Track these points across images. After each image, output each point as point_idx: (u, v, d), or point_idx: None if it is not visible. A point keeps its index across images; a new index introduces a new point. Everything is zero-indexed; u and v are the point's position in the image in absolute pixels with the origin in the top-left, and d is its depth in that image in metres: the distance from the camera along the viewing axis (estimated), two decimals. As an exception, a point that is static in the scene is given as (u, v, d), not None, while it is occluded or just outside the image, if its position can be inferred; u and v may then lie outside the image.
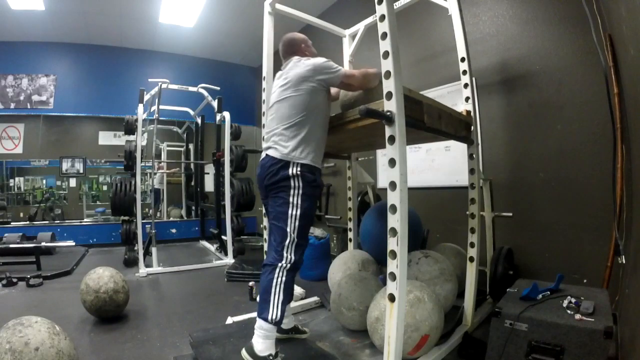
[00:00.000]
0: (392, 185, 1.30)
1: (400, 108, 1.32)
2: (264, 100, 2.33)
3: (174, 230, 6.19)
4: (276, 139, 1.66)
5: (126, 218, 4.30)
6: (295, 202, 1.59)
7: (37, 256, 3.82)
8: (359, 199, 3.19)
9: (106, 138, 6.63)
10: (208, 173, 6.13)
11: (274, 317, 1.53)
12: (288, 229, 1.58)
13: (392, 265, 1.30)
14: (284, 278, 1.57)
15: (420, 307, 1.64)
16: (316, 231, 3.87)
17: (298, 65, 1.70)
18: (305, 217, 1.62)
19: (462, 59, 2.23)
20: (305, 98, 1.64)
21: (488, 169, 2.74)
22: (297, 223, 1.59)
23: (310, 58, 1.76)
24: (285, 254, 1.59)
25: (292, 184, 1.59)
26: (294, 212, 1.59)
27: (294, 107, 1.64)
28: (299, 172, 1.59)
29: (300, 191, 1.59)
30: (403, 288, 1.30)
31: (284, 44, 1.90)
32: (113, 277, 2.47)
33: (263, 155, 1.72)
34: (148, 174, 5.24)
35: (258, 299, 1.62)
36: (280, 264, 1.57)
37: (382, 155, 3.76)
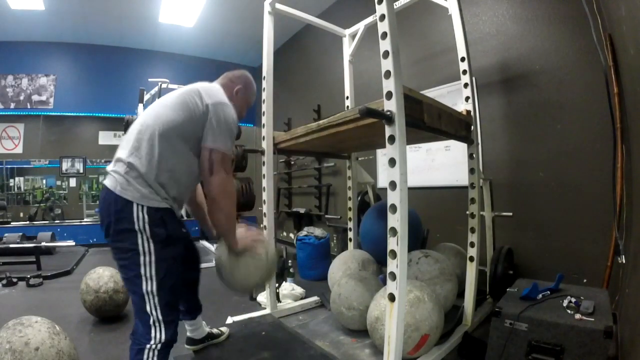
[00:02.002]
0: (392, 185, 1.30)
1: (400, 108, 1.32)
2: (264, 100, 2.33)
3: (174, 230, 6.18)
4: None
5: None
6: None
7: (37, 256, 3.82)
8: (359, 198, 3.19)
9: (106, 138, 6.63)
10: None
11: None
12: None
13: (392, 265, 1.30)
14: None
15: (420, 307, 1.64)
16: (316, 231, 3.87)
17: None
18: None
19: (462, 59, 2.23)
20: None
21: (488, 169, 2.74)
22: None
23: (225, 106, 1.35)
24: (153, 333, 1.23)
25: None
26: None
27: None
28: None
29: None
30: (403, 288, 1.30)
31: (230, 74, 1.60)
32: (113, 277, 2.47)
33: None
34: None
35: None
36: (148, 345, 1.22)
37: (382, 155, 3.76)
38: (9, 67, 5.67)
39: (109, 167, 1.28)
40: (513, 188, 2.66)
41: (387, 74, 1.32)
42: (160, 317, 1.24)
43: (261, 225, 2.30)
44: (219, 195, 1.30)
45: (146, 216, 1.20)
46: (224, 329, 1.94)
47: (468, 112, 2.16)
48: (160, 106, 1.34)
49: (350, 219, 2.99)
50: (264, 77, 2.33)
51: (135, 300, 1.25)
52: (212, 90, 1.38)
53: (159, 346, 1.24)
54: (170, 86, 4.46)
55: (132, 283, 1.23)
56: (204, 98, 1.32)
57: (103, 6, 4.84)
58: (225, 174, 1.30)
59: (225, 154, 1.31)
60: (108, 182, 1.25)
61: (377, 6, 1.36)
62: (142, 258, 1.21)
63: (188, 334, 1.74)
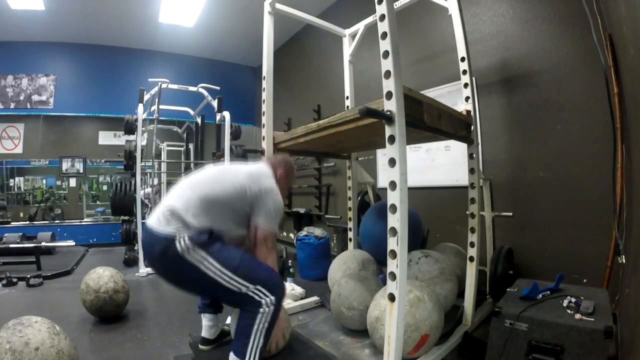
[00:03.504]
0: (392, 185, 1.30)
1: (400, 108, 1.32)
2: (264, 100, 2.33)
3: (174, 230, 6.18)
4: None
5: (126, 218, 4.31)
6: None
7: (37, 256, 3.83)
8: (359, 198, 3.19)
9: (106, 138, 6.64)
10: (208, 173, 6.12)
11: None
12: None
13: (392, 265, 1.30)
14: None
15: (420, 307, 1.64)
16: (316, 231, 3.88)
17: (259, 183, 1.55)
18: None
19: (462, 59, 2.22)
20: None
21: (488, 169, 2.74)
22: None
23: (272, 191, 1.56)
24: (260, 300, 1.41)
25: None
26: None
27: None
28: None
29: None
30: (403, 288, 1.30)
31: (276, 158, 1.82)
32: (113, 277, 2.47)
33: None
34: (148, 174, 5.24)
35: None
36: (261, 310, 1.40)
37: (382, 155, 3.76)
38: (9, 67, 5.67)
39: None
40: (513, 188, 2.66)
41: (387, 74, 1.32)
42: (252, 285, 1.39)
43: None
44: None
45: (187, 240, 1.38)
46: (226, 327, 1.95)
47: (468, 112, 2.16)
48: (215, 182, 1.53)
49: (350, 219, 2.99)
50: (264, 77, 2.33)
51: (235, 299, 1.43)
52: (264, 177, 1.60)
53: (272, 308, 1.40)
54: (170, 86, 4.47)
55: (217, 289, 1.41)
56: (257, 183, 1.54)
57: (103, 6, 4.84)
58: (266, 248, 1.53)
59: (272, 232, 1.55)
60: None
61: (377, 6, 1.36)
62: (202, 267, 1.37)
63: (203, 333, 1.77)
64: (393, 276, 1.29)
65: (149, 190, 5.12)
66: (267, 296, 1.41)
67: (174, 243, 1.36)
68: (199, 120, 5.81)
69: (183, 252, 1.35)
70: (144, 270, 3.85)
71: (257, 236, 1.51)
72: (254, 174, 1.58)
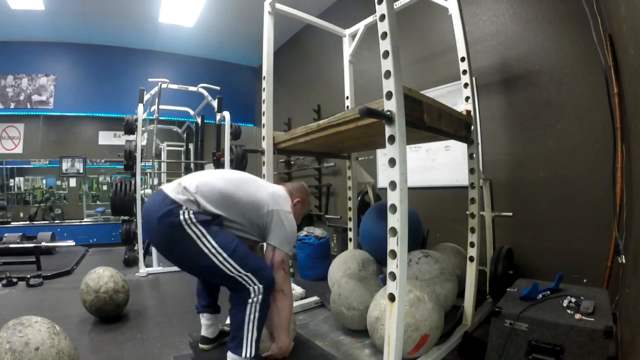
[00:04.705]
0: (392, 185, 1.30)
1: (400, 108, 1.32)
2: (264, 100, 2.33)
3: (174, 230, 6.18)
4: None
5: (126, 218, 4.31)
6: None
7: (37, 256, 3.83)
8: (359, 198, 3.19)
9: (106, 138, 6.64)
10: (208, 173, 6.12)
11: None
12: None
13: (392, 265, 1.30)
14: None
15: (420, 307, 1.64)
16: (316, 231, 3.88)
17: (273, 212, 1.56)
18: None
19: (462, 59, 2.22)
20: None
21: (488, 169, 2.74)
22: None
23: (289, 215, 1.60)
24: (249, 287, 1.44)
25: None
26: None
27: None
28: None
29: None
30: (403, 288, 1.30)
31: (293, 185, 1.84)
32: (113, 277, 2.47)
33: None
34: (148, 174, 5.24)
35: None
36: (250, 300, 1.44)
37: (382, 155, 3.76)
38: (9, 67, 5.67)
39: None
40: (513, 188, 2.66)
41: (387, 74, 1.32)
42: (243, 271, 1.42)
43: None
44: (278, 293, 1.55)
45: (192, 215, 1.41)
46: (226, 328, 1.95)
47: (468, 112, 2.16)
48: (240, 190, 1.54)
49: (350, 219, 2.99)
50: (264, 77, 2.33)
51: (221, 281, 1.47)
52: (284, 200, 1.64)
53: (260, 297, 1.44)
54: (170, 86, 4.46)
55: (207, 267, 1.42)
56: (276, 204, 1.57)
57: (103, 6, 4.84)
58: (284, 273, 1.57)
59: (288, 256, 1.59)
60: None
61: (377, 6, 1.36)
62: (199, 242, 1.39)
63: (202, 332, 1.78)
64: (393, 276, 1.29)
65: (149, 191, 5.12)
66: (255, 284, 1.44)
67: (178, 211, 1.38)
68: (199, 120, 5.81)
69: (184, 222, 1.37)
70: (144, 270, 3.85)
71: (275, 259, 1.55)
72: (276, 195, 1.62)
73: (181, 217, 1.37)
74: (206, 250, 1.39)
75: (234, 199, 1.50)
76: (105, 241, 5.82)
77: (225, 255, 1.40)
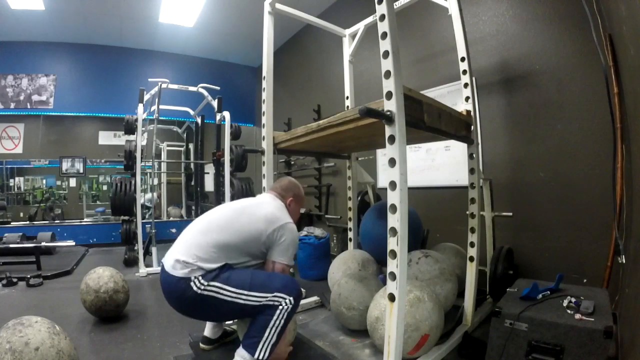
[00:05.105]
0: (392, 185, 1.30)
1: (400, 107, 1.32)
2: (264, 100, 2.33)
3: (174, 230, 6.17)
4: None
5: (126, 218, 4.30)
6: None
7: (37, 256, 3.82)
8: (359, 198, 3.19)
9: (106, 138, 6.63)
10: (208, 173, 6.13)
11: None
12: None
13: (392, 265, 1.30)
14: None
15: (420, 307, 1.64)
16: (316, 231, 3.88)
17: (267, 220, 1.59)
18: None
19: (462, 59, 2.22)
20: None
21: (488, 169, 2.74)
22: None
23: (287, 226, 1.61)
24: (277, 304, 1.48)
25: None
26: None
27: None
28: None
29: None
30: (403, 288, 1.30)
31: (282, 183, 1.84)
32: (113, 277, 2.47)
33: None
34: (148, 174, 5.24)
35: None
36: (280, 307, 1.48)
37: (382, 155, 3.75)
38: (9, 67, 5.66)
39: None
40: (513, 188, 2.66)
41: (387, 74, 1.32)
42: (270, 294, 1.46)
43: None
44: None
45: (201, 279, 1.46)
46: (235, 327, 1.96)
47: (468, 112, 2.16)
48: (231, 229, 1.56)
49: (350, 219, 2.99)
50: (264, 77, 2.33)
51: (255, 313, 1.48)
52: (277, 214, 1.64)
53: (290, 306, 1.48)
54: (170, 86, 4.46)
55: (238, 311, 1.49)
56: (272, 225, 1.57)
57: (103, 6, 4.84)
58: None
59: (289, 266, 1.63)
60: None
61: (377, 6, 1.36)
62: (219, 296, 1.45)
63: (206, 332, 1.79)
64: (393, 276, 1.29)
65: (149, 196, 5.13)
66: (284, 298, 1.48)
67: (190, 284, 1.43)
68: (199, 120, 5.82)
69: (199, 290, 1.43)
70: (144, 270, 3.85)
71: (275, 270, 1.59)
72: (269, 214, 1.62)
73: (194, 288, 1.43)
74: (229, 299, 1.45)
75: (230, 246, 1.53)
76: (105, 241, 5.82)
77: (245, 292, 1.45)
